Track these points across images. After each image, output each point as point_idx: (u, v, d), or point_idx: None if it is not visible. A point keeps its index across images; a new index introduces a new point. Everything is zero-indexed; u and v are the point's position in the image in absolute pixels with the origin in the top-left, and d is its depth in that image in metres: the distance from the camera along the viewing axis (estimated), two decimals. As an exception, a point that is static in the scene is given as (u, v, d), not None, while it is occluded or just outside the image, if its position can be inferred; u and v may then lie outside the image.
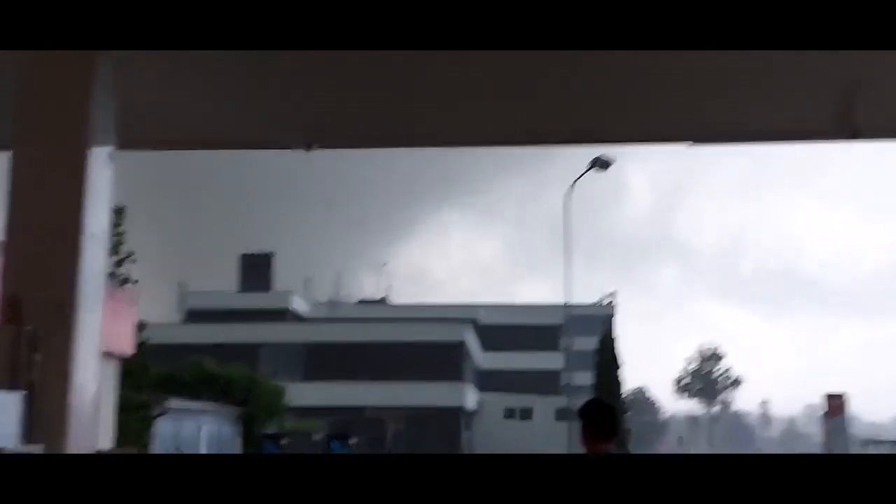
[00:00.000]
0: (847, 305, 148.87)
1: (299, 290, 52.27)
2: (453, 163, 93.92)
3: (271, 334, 42.30)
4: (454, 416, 41.29)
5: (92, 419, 6.38)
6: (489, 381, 51.45)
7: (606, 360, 26.56)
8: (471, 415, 45.36)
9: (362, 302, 59.62)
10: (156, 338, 37.32)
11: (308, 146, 8.45)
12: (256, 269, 49.54)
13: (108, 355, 10.65)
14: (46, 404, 5.96)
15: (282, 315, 46.43)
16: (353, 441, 24.06)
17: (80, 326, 6.26)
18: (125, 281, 11.61)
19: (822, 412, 22.85)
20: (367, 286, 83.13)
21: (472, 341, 46.71)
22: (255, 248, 50.72)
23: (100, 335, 6.65)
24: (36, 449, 5.48)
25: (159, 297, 49.10)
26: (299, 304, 49.83)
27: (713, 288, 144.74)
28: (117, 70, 6.52)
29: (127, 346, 11.05)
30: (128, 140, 7.49)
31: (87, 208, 6.35)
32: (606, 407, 4.15)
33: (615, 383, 26.35)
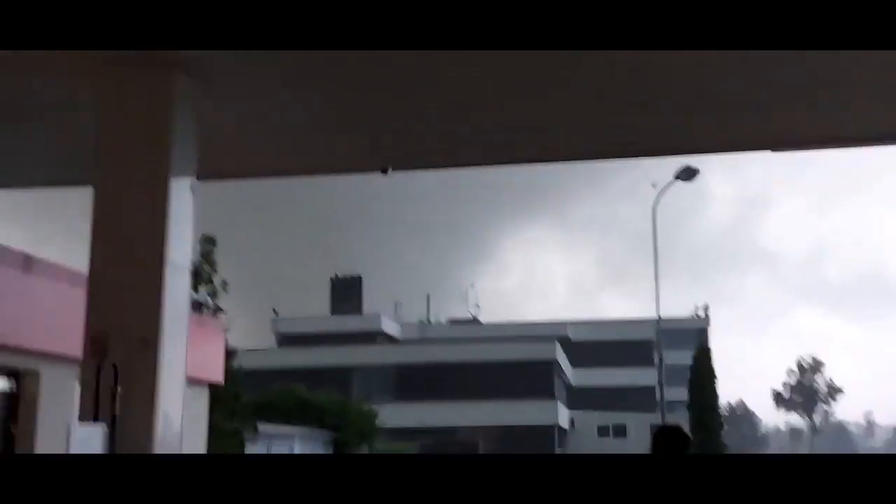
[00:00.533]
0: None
1: (389, 312, 52.67)
2: (535, 179, 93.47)
3: (363, 357, 42.65)
4: (548, 435, 40.69)
5: (177, 449, 6.43)
6: (581, 399, 50.62)
7: (702, 375, 25.72)
8: (564, 433, 44.68)
9: (454, 322, 59.63)
10: (250, 363, 38.18)
11: (384, 169, 8.42)
12: (347, 293, 50.16)
13: (198, 383, 10.80)
14: (131, 436, 6.02)
15: (373, 337, 46.80)
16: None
17: (164, 358, 6.32)
18: (217, 310, 11.85)
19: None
20: (457, 306, 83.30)
21: (562, 358, 46.10)
22: (345, 271, 51.32)
23: (184, 366, 6.71)
24: (121, 482, 5.52)
25: (254, 323, 50.26)
26: (389, 326, 50.15)
27: (802, 295, 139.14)
28: (196, 102, 6.60)
29: (217, 374, 11.20)
30: (208, 170, 7.57)
31: (170, 240, 6.43)
32: (680, 435, 4.06)
33: (711, 397, 25.47)
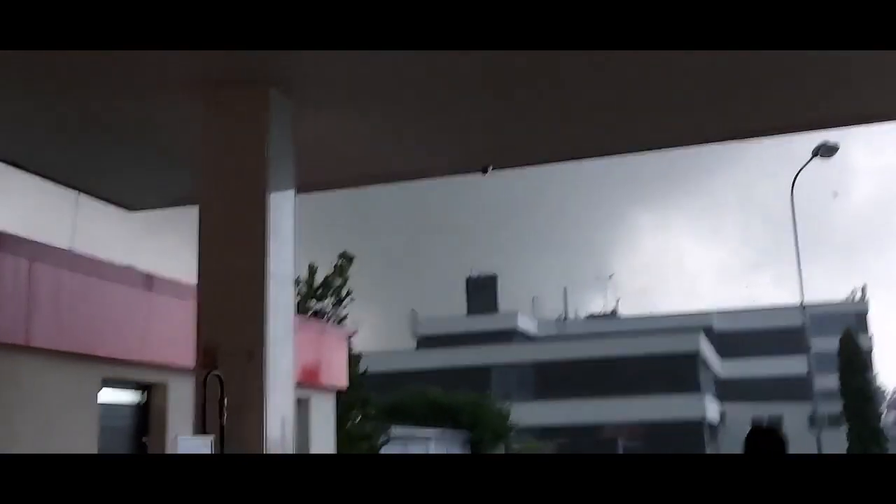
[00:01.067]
0: None
1: (526, 309, 52.48)
2: (661, 166, 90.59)
3: (501, 356, 42.64)
4: (696, 430, 39.35)
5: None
6: (730, 391, 48.72)
7: (850, 360, 24.16)
8: (715, 427, 43.13)
9: (591, 317, 58.78)
10: (389, 366, 38.90)
11: (484, 169, 8.29)
12: (482, 292, 50.31)
13: (323, 389, 11.01)
14: (239, 446, 6.15)
15: (509, 336, 46.73)
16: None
17: (270, 369, 6.43)
18: (342, 320, 12.17)
19: None
20: (595, 301, 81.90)
21: (707, 350, 44.51)
22: (479, 271, 51.49)
23: (291, 376, 6.81)
24: (229, 493, 5.64)
25: (394, 326, 51.23)
26: (526, 324, 49.95)
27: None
28: (294, 116, 6.70)
29: (342, 379, 11.40)
30: (308, 182, 7.69)
31: (271, 253, 6.54)
32: (774, 437, 3.83)
33: (864, 384, 23.87)
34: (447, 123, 7.37)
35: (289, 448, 6.57)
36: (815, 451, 22.44)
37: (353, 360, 13.69)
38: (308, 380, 10.45)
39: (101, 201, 9.15)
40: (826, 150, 22.20)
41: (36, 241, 7.19)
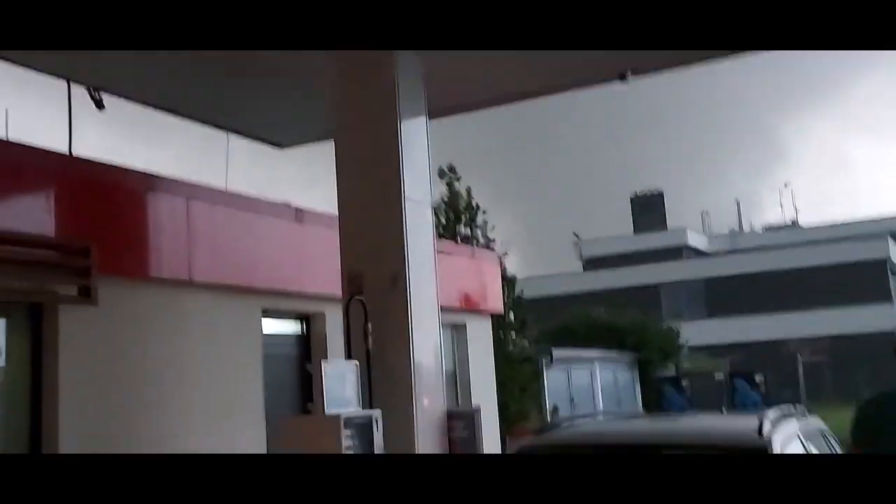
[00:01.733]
0: None
1: (696, 226, 50.72)
2: (813, 68, 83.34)
3: (669, 273, 41.54)
4: (887, 343, 36.98)
5: (435, 380, 6.64)
6: (928, 300, 45.33)
7: None
8: (911, 339, 40.41)
9: (769, 229, 55.99)
10: (556, 289, 38.75)
11: (622, 76, 7.90)
12: (649, 209, 49.01)
13: (479, 313, 11.11)
14: (386, 371, 6.30)
15: (679, 252, 45.37)
16: (759, 379, 22.69)
17: (415, 293, 6.51)
18: (488, 242, 12.00)
19: None
20: (773, 211, 77.65)
21: (897, 256, 41.48)
22: (643, 188, 50.11)
23: (436, 300, 6.88)
24: (375, 413, 5.81)
25: (561, 248, 50.96)
26: (696, 240, 48.28)
27: None
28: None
29: (496, 304, 11.44)
30: (441, 107, 7.62)
31: (406, 178, 6.56)
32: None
33: None
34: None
35: (438, 373, 6.67)
36: None
37: (509, 283, 13.72)
38: (463, 304, 10.57)
39: (252, 140, 9.54)
40: None
41: (192, 183, 7.57)
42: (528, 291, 21.00)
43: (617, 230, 49.69)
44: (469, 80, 7.77)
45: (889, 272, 38.50)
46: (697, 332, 36.46)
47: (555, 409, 14.71)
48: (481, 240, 13.92)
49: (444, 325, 10.55)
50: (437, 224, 13.74)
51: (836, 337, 36.47)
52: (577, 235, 49.10)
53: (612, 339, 19.57)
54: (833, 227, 50.22)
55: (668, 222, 48.55)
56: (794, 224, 55.19)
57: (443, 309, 10.46)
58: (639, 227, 48.66)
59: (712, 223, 53.08)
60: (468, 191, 14.30)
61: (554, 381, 15.33)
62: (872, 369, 34.83)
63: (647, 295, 38.76)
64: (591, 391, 17.47)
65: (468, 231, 13.71)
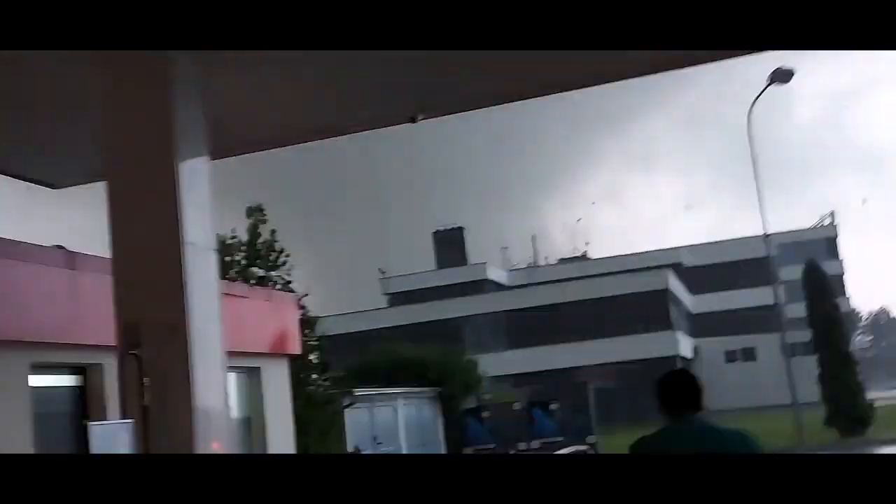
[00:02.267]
0: None
1: (496, 260, 52.50)
2: (602, 103, 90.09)
3: (471, 307, 42.61)
4: (669, 366, 39.73)
5: (225, 426, 6.31)
6: (703, 326, 49.23)
7: (815, 287, 24.29)
8: (689, 362, 43.61)
9: (562, 261, 58.91)
10: (360, 326, 38.63)
11: (413, 118, 8.00)
12: (450, 245, 50.19)
13: (274, 356, 10.80)
14: (168, 428, 5.91)
15: (480, 286, 46.72)
16: (554, 407, 23.60)
17: (197, 343, 6.17)
18: (287, 283, 11.69)
19: None
20: (564, 246, 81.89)
21: (677, 286, 44.80)
22: (444, 224, 51.33)
23: (220, 349, 6.56)
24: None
25: (365, 285, 51.01)
26: (496, 274, 49.96)
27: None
28: (197, 80, 6.36)
29: (293, 345, 11.17)
30: (222, 148, 7.35)
31: (186, 222, 6.24)
32: (687, 378, 3.70)
33: (831, 310, 24.04)
34: (369, 74, 7.05)
35: (227, 422, 6.36)
36: (786, 379, 22.56)
37: (309, 323, 13.47)
38: (257, 347, 10.23)
39: (23, 180, 8.80)
40: (782, 76, 21.99)
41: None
42: (336, 329, 20.78)
43: (421, 266, 50.54)
44: (255, 118, 7.57)
45: (669, 301, 41.50)
46: (499, 363, 37.62)
47: (356, 451, 14.54)
48: (281, 282, 13.58)
49: (237, 370, 10.23)
50: (235, 266, 13.28)
51: (625, 363, 38.76)
52: (382, 272, 49.46)
53: (414, 374, 19.68)
54: (620, 259, 53.65)
55: (469, 257, 49.93)
56: (584, 257, 58.50)
57: (235, 354, 10.16)
58: (441, 262, 49.71)
59: (512, 257, 55.27)
60: (272, 233, 13.95)
61: (357, 421, 15.17)
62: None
63: (451, 328, 39.55)
64: (395, 429, 17.45)
65: (267, 273, 13.32)
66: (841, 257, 59.34)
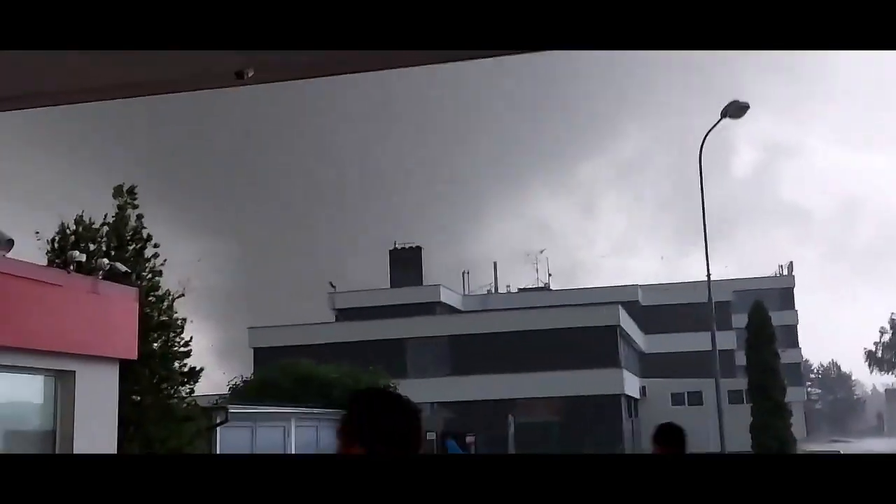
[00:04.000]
0: None
1: (457, 283, 51.40)
2: (549, 147, 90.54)
3: (417, 329, 41.26)
4: (614, 404, 38.58)
5: None
6: (653, 366, 48.26)
7: (757, 336, 23.37)
8: (635, 402, 42.49)
9: (522, 290, 57.91)
10: (302, 340, 37.22)
11: (239, 75, 6.77)
12: (406, 263, 48.93)
13: (102, 360, 9.46)
14: None
15: (431, 308, 45.43)
16: (470, 440, 22.31)
17: None
18: (126, 275, 10.17)
19: None
20: (529, 276, 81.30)
21: (629, 324, 43.78)
22: (402, 242, 50.18)
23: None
24: None
25: (315, 297, 49.68)
26: (449, 297, 48.72)
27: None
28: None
29: (129, 348, 9.82)
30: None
31: None
32: (676, 432, 4.84)
33: (769, 357, 23.09)
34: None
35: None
36: (717, 426, 21.61)
37: (174, 325, 12.11)
38: (71, 347, 8.88)
39: None
40: (735, 111, 21.08)
41: None
42: (268, 341, 19.30)
43: (375, 283, 49.31)
44: (45, 69, 6.31)
45: (619, 338, 40.42)
46: (437, 388, 36.31)
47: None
48: (143, 273, 12.13)
49: (40, 372, 8.91)
50: (98, 254, 11.90)
51: (569, 398, 37.56)
52: (332, 285, 48.03)
53: (320, 392, 18.30)
54: (579, 292, 52.74)
55: (425, 278, 48.68)
56: (546, 287, 57.51)
57: (38, 353, 8.85)
58: (395, 280, 48.43)
59: (474, 283, 54.18)
60: (139, 218, 12.54)
61: (232, 442, 13.75)
62: (599, 430, 36.11)
63: (394, 349, 38.22)
64: (283, 450, 16.01)
65: (134, 268, 11.85)
66: (795, 308, 59.12)
